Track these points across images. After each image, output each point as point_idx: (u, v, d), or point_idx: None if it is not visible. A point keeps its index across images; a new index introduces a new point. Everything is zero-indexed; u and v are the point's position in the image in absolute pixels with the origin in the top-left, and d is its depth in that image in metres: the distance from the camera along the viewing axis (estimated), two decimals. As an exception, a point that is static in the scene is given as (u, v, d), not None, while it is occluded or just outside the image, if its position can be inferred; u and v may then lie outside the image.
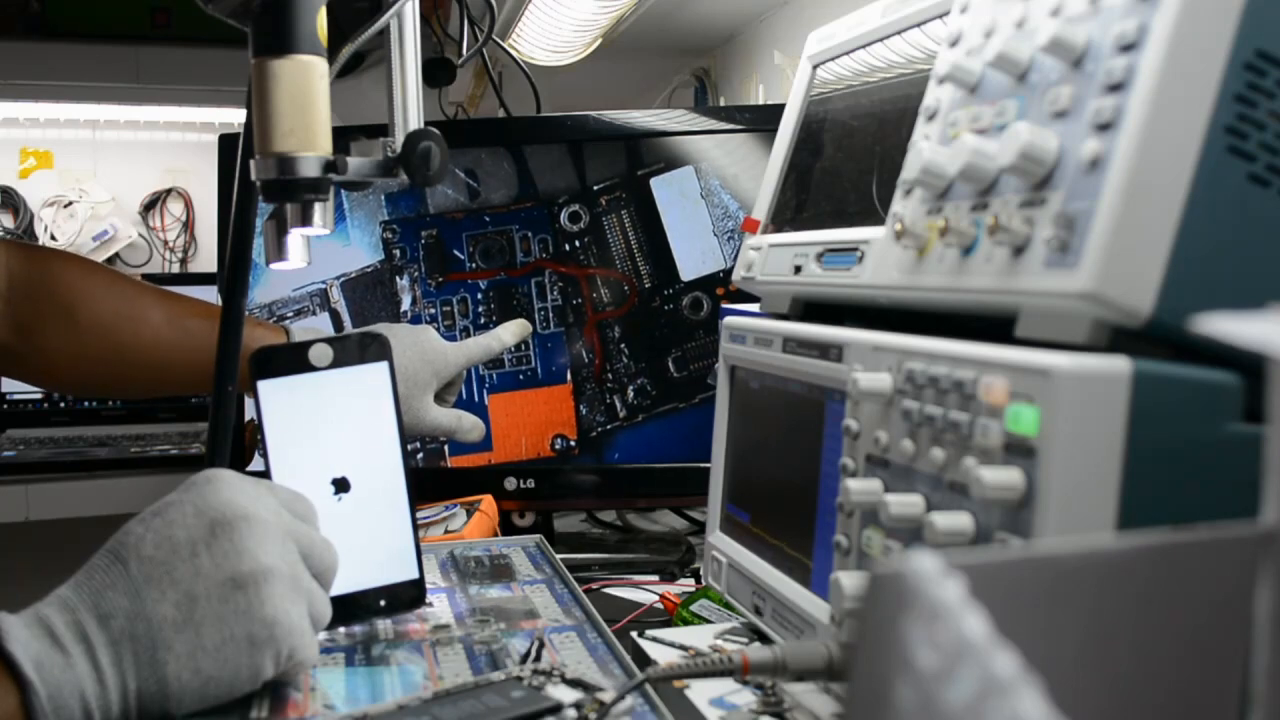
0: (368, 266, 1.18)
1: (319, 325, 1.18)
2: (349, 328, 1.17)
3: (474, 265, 1.17)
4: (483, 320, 1.16)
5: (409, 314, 1.17)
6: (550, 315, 1.16)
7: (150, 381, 0.99)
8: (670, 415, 1.13)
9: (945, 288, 0.52)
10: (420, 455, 1.16)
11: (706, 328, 1.13)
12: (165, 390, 1.03)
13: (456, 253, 1.17)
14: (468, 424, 1.01)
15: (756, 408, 0.72)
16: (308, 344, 0.69)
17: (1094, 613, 0.32)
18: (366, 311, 1.17)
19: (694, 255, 1.14)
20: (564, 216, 1.16)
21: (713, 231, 1.14)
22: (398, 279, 1.17)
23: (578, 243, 1.15)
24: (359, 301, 1.18)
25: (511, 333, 1.04)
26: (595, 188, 1.15)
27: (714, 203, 1.14)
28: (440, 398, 1.01)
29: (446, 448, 1.16)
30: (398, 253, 1.17)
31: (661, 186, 1.15)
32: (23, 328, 0.93)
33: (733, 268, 1.12)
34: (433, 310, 1.17)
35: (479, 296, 1.17)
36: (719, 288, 1.14)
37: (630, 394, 1.13)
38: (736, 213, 1.13)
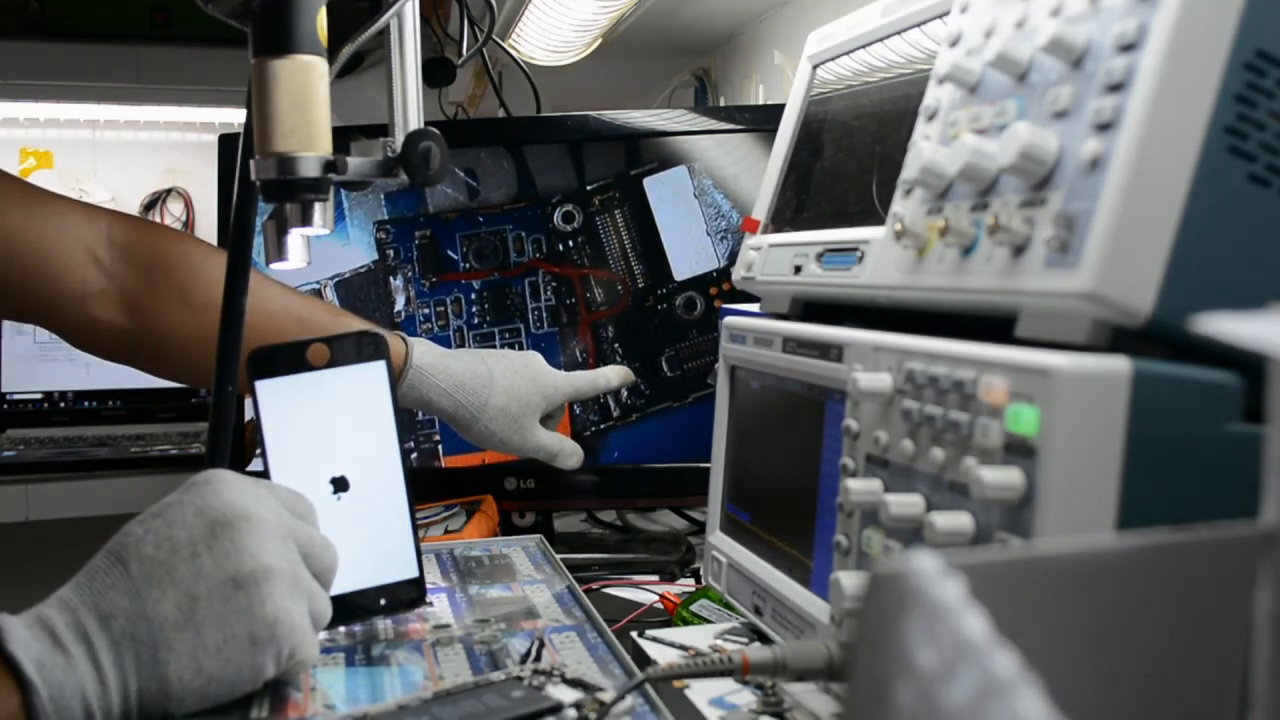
0: (361, 267, 1.18)
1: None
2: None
3: (468, 265, 1.17)
4: (476, 320, 1.16)
5: (403, 315, 1.17)
6: (544, 315, 1.16)
7: None
8: (664, 415, 1.14)
9: (945, 288, 0.52)
10: (415, 455, 1.16)
11: (700, 327, 1.13)
12: None
13: (450, 253, 1.17)
14: (569, 449, 1.02)
15: (756, 408, 0.72)
16: (305, 343, 0.69)
17: (1094, 613, 0.32)
18: (360, 312, 1.16)
19: (687, 255, 1.14)
20: (558, 216, 1.16)
21: (706, 231, 1.14)
22: (391, 279, 1.17)
23: (571, 243, 1.16)
24: (353, 302, 1.18)
25: (618, 375, 1.05)
26: (589, 187, 1.15)
27: (707, 202, 1.14)
28: (543, 423, 1.02)
29: (441, 448, 1.16)
30: (391, 253, 1.17)
31: (654, 186, 1.15)
32: (135, 308, 0.91)
33: (726, 267, 1.13)
34: (426, 310, 1.17)
35: (472, 297, 1.16)
36: (712, 287, 1.14)
37: (624, 393, 1.13)
38: (729, 213, 1.13)
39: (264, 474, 0.67)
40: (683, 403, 1.13)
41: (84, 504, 1.87)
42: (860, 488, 0.53)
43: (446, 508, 1.09)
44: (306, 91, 0.63)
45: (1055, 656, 0.31)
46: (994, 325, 0.49)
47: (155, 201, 2.59)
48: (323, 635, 0.65)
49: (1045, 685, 0.25)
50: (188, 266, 0.93)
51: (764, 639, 0.68)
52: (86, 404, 2.23)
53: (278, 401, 0.68)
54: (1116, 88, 0.44)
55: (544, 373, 1.00)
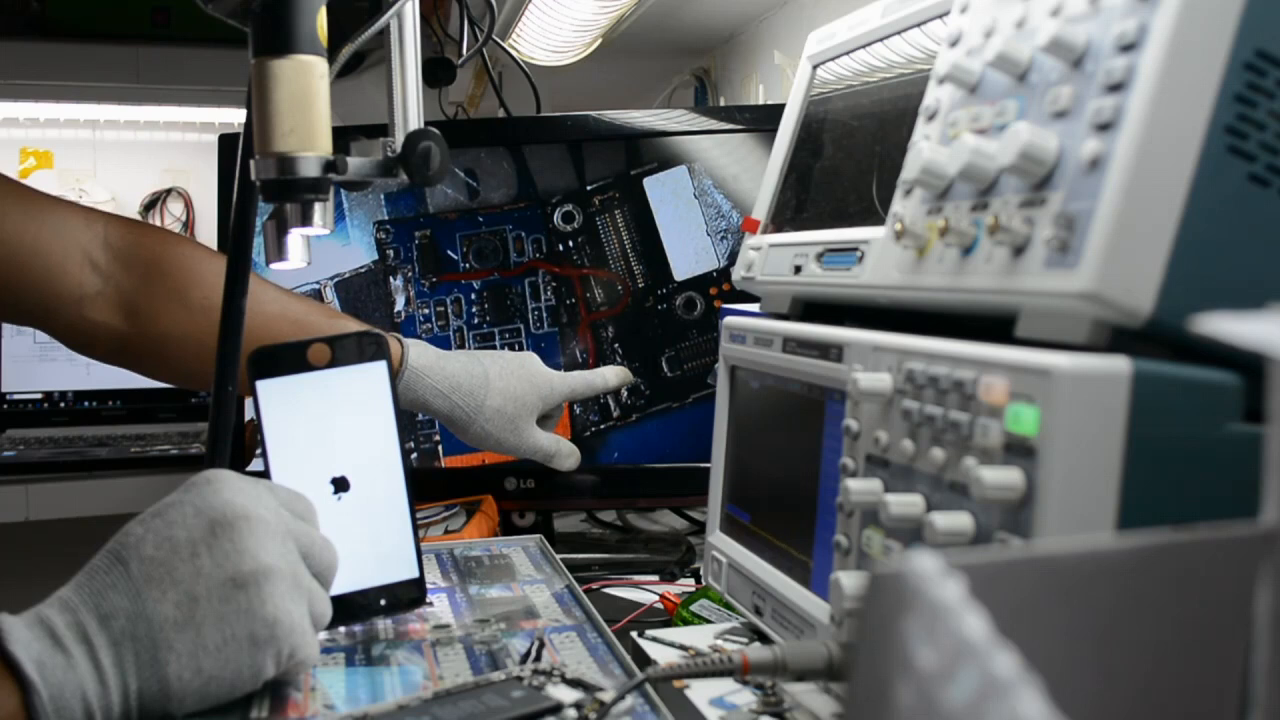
0: (361, 267, 1.18)
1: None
2: None
3: (468, 265, 1.17)
4: (476, 320, 1.16)
5: (403, 315, 1.17)
6: (544, 315, 1.16)
7: None
8: (664, 415, 1.14)
9: (945, 288, 0.52)
10: (415, 455, 1.16)
11: (700, 327, 1.13)
12: None
13: (450, 253, 1.17)
14: (565, 450, 1.01)
15: (756, 408, 0.72)
16: (306, 344, 0.69)
17: (1094, 613, 0.32)
18: (360, 312, 1.17)
19: (687, 255, 1.14)
20: (558, 217, 1.16)
21: (706, 231, 1.14)
22: (391, 279, 1.17)
23: (571, 243, 1.16)
24: (353, 302, 1.18)
25: (617, 375, 1.05)
26: (589, 187, 1.15)
27: (707, 202, 1.14)
28: (540, 423, 1.02)
29: (441, 448, 1.16)
30: (391, 253, 1.17)
31: (654, 186, 1.15)
32: (132, 310, 0.91)
33: (726, 267, 1.13)
34: (426, 310, 1.17)
35: (472, 297, 1.17)
36: (712, 288, 1.14)
37: (624, 394, 1.13)
38: (729, 213, 1.13)
39: (264, 474, 0.67)
40: (683, 403, 1.13)
41: (84, 504, 1.88)
42: (860, 488, 0.53)
43: (446, 508, 1.09)
44: (306, 91, 0.63)
45: (1055, 656, 0.31)
46: (994, 325, 0.49)
47: (155, 201, 2.59)
48: (323, 635, 0.65)
49: (1045, 685, 0.25)
50: (184, 268, 0.93)
51: (764, 639, 0.68)
52: (86, 404, 2.23)
53: (278, 401, 0.68)
54: (1116, 88, 0.44)
55: (540, 373, 1.00)
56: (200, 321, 0.91)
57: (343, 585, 0.65)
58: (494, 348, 1.16)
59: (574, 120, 1.18)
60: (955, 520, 0.46)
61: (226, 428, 0.68)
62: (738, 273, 0.78)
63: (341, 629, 0.70)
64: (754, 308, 0.79)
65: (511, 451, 0.99)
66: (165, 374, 1.00)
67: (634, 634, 0.72)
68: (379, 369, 0.71)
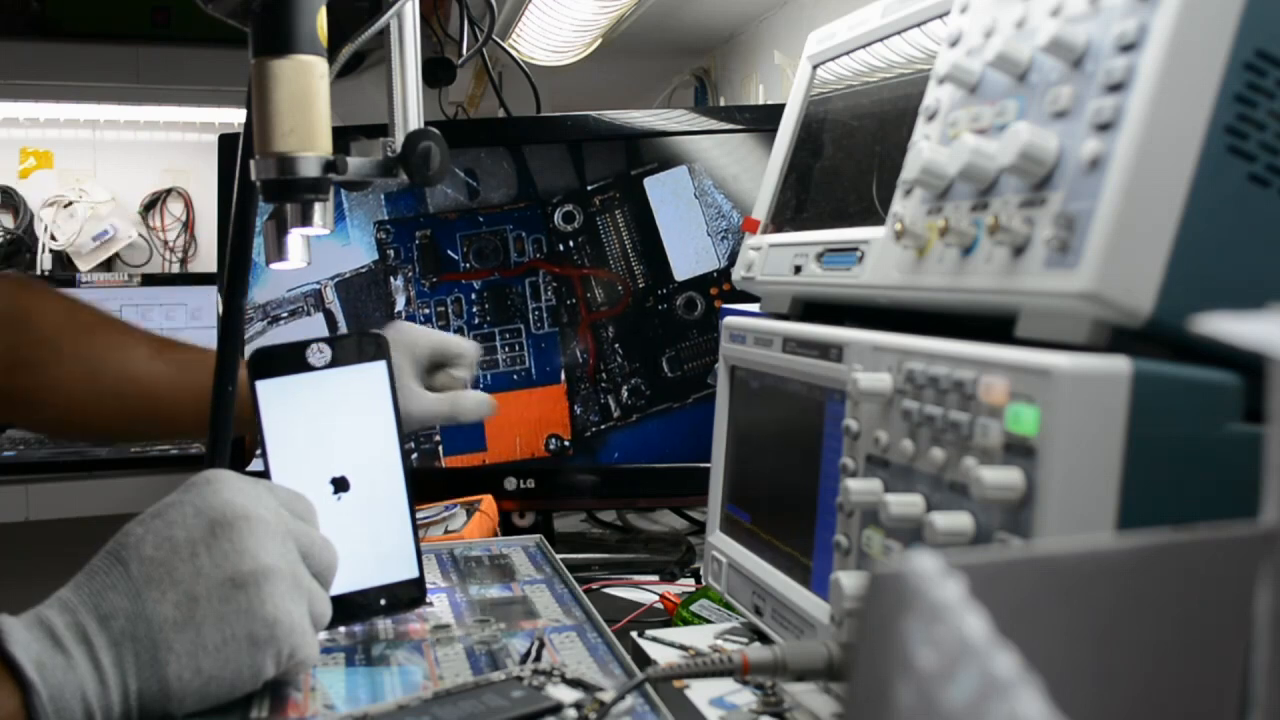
0: (362, 267, 1.18)
1: (315, 326, 1.19)
2: (343, 329, 1.18)
3: (468, 265, 1.17)
4: (477, 320, 1.16)
5: (403, 314, 1.17)
6: (544, 315, 1.16)
7: (146, 419, 0.98)
8: (664, 415, 1.14)
9: (945, 288, 0.52)
10: (415, 455, 1.16)
11: (700, 328, 1.13)
12: (170, 430, 1.01)
13: (450, 253, 1.17)
14: (469, 404, 0.92)
15: (756, 408, 0.72)
16: (305, 344, 0.69)
17: (1094, 613, 0.32)
18: (361, 312, 1.17)
19: (688, 255, 1.14)
20: (558, 216, 1.16)
21: (706, 231, 1.14)
22: (392, 279, 1.17)
23: (572, 243, 1.16)
24: (353, 302, 1.18)
25: (469, 342, 0.97)
26: (589, 187, 1.15)
27: (708, 203, 1.14)
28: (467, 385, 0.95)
29: (441, 448, 1.16)
30: (392, 253, 1.17)
31: (655, 186, 1.15)
32: (8, 365, 0.93)
33: (726, 268, 1.13)
34: (427, 310, 1.17)
35: (473, 297, 1.17)
36: (712, 288, 1.14)
37: (624, 394, 1.13)
38: (730, 213, 1.13)
39: (264, 474, 0.67)
40: (683, 403, 1.13)
41: (84, 504, 1.88)
42: (860, 488, 0.53)
43: (446, 508, 1.09)
44: (306, 91, 0.63)
45: (1055, 656, 0.31)
46: (994, 325, 0.49)
47: (155, 201, 2.59)
48: (323, 635, 0.65)
49: (1045, 685, 0.25)
50: (52, 320, 0.94)
51: (764, 639, 0.68)
52: (86, 404, 2.22)
53: (278, 401, 0.68)
54: (1116, 88, 0.44)
55: (403, 332, 0.92)
56: (74, 372, 0.93)
57: (343, 585, 0.65)
58: (494, 347, 1.16)
59: (574, 120, 1.18)
60: (955, 520, 0.46)
61: (226, 428, 0.68)
62: (738, 273, 0.78)
63: (341, 629, 0.70)
64: (754, 308, 0.79)
65: (407, 426, 0.90)
66: (49, 425, 1.01)
67: (634, 634, 0.72)
68: (378, 369, 0.71)
